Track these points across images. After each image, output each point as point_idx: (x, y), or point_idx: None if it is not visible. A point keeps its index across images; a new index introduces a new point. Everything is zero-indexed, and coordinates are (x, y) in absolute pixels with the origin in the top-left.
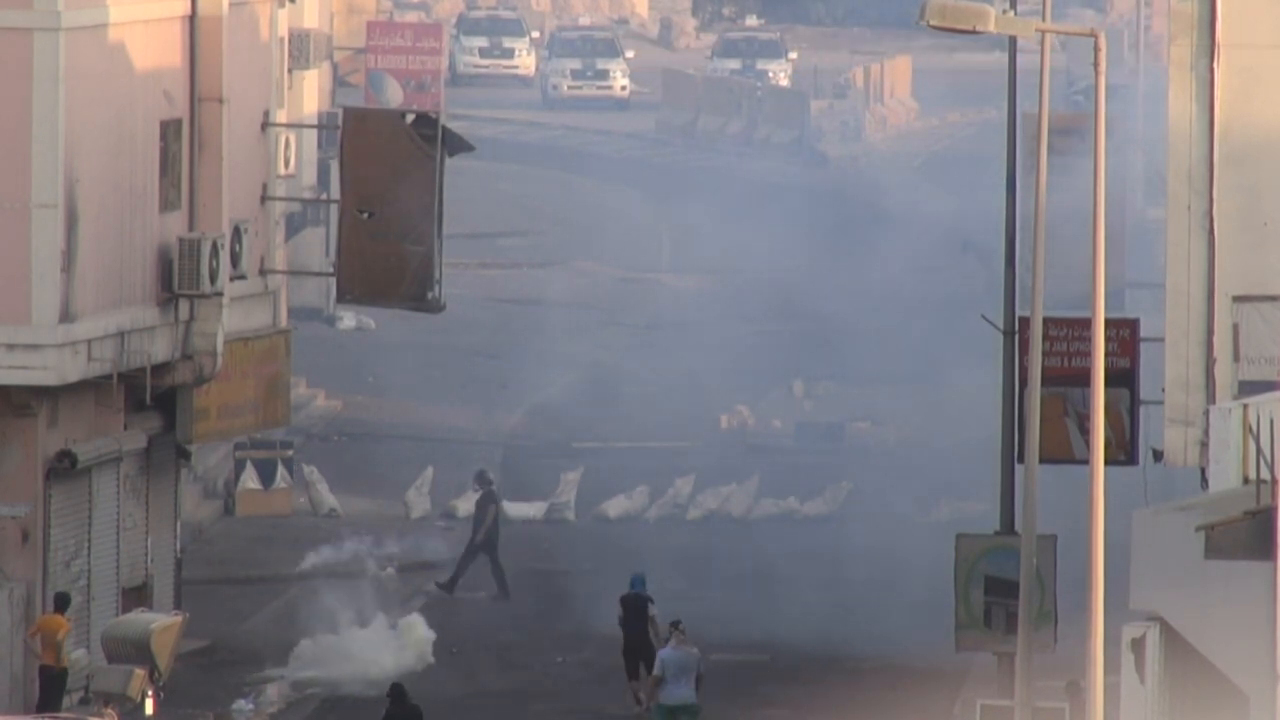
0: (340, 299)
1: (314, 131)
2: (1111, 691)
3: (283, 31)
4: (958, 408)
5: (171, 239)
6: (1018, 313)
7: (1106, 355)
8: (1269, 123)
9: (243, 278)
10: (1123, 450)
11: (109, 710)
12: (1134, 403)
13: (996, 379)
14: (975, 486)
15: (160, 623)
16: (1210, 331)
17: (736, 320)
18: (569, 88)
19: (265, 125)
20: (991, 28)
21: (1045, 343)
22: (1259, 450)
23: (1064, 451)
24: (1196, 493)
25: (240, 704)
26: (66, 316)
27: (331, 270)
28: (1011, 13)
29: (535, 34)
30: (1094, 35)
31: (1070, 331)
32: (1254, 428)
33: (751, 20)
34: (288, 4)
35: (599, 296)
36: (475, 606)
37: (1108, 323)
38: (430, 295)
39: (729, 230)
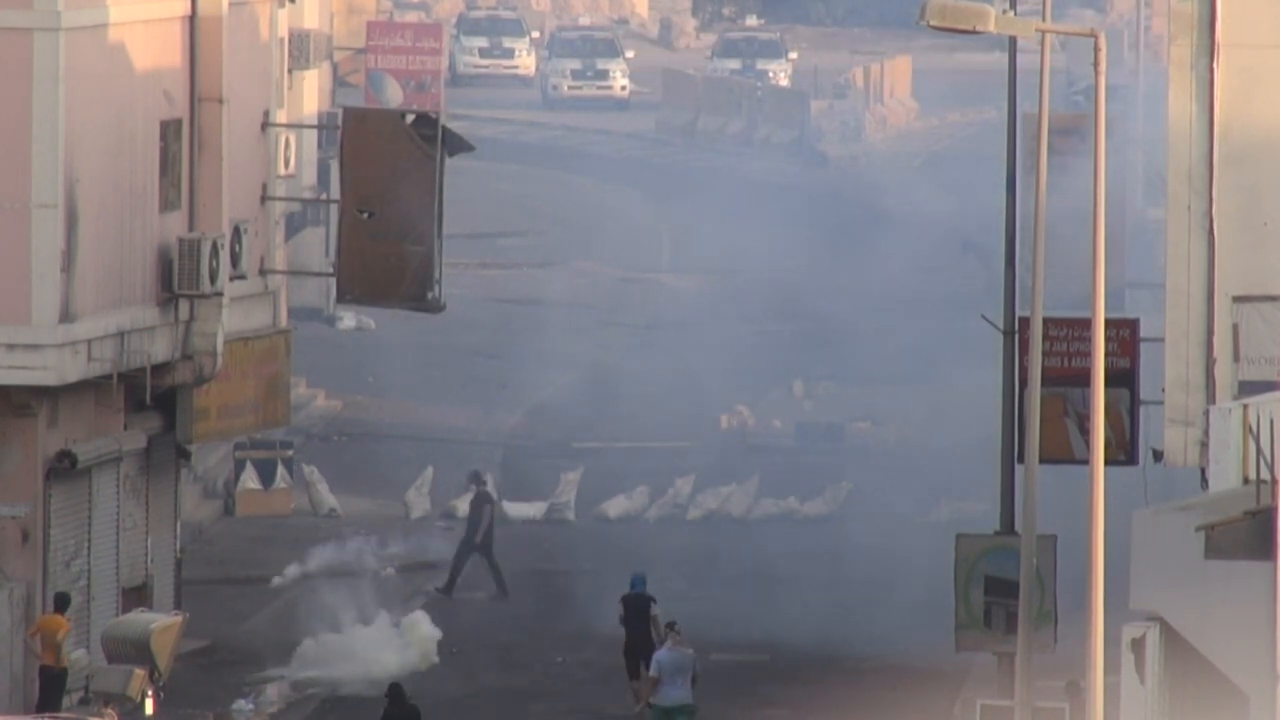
0: (340, 299)
1: (314, 131)
2: (1111, 691)
3: (283, 31)
4: (958, 408)
5: (171, 239)
6: (1018, 313)
7: (1106, 355)
8: (1269, 123)
9: (243, 278)
10: (1123, 450)
11: (109, 710)
12: (1134, 403)
13: (996, 379)
14: (975, 486)
15: (160, 623)
16: (1210, 331)
17: (736, 320)
18: (569, 88)
19: (265, 125)
20: (991, 28)
21: (1045, 343)
22: (1259, 450)
23: (1064, 451)
24: (1196, 493)
25: (240, 704)
26: (66, 316)
27: (331, 270)
28: (1011, 13)
29: (535, 34)
30: (1094, 35)
31: (1070, 331)
32: (1254, 428)
33: (751, 20)
34: (288, 4)
35: (599, 296)
36: (475, 606)
37: (1108, 323)
38: (430, 295)
39: (729, 230)
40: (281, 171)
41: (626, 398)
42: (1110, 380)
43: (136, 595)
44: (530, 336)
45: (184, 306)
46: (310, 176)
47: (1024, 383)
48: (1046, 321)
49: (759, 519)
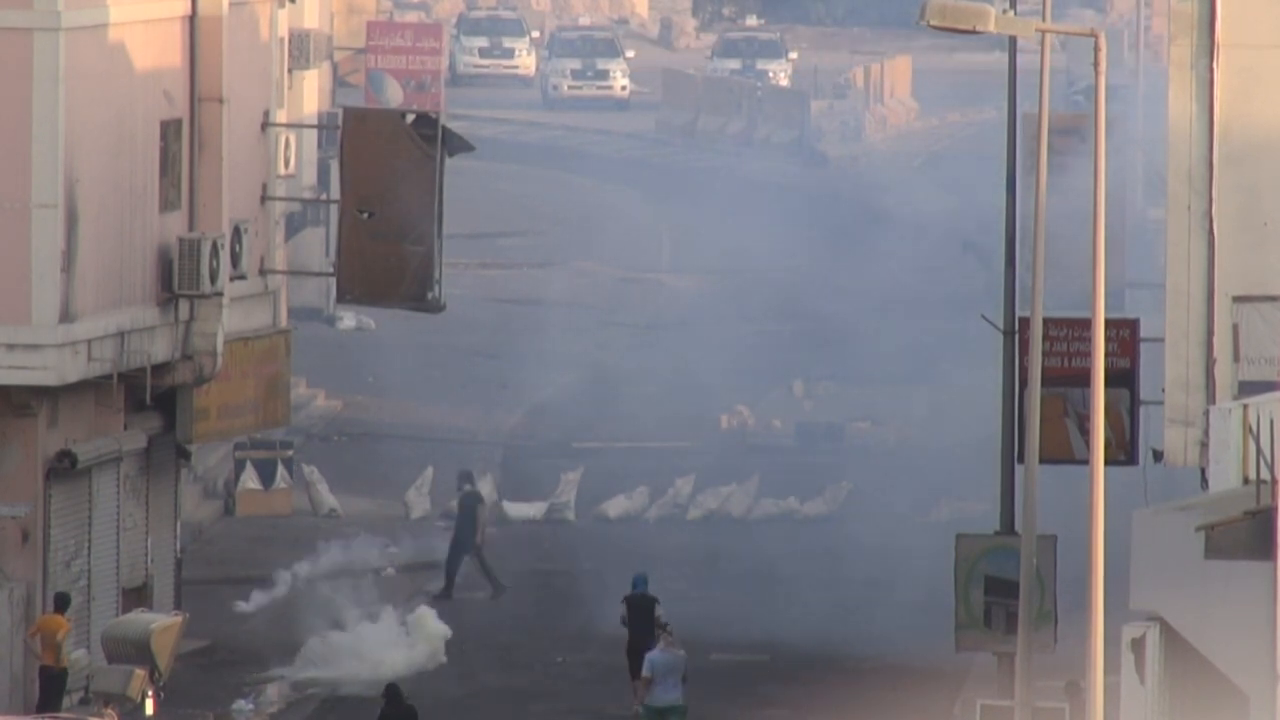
0: (340, 299)
1: (314, 131)
2: (1111, 691)
3: (283, 31)
4: (958, 408)
5: (171, 239)
6: (1018, 313)
7: (1106, 355)
8: (1269, 123)
9: (243, 278)
10: (1123, 450)
11: (109, 710)
12: (1134, 403)
13: (996, 379)
14: (975, 486)
15: (160, 623)
16: (1210, 331)
17: (736, 320)
18: (569, 88)
19: (265, 125)
20: (991, 28)
21: (1045, 343)
22: (1259, 450)
23: (1064, 451)
24: (1196, 493)
25: (240, 704)
26: (66, 316)
27: (331, 270)
28: (1011, 13)
29: (535, 34)
30: (1094, 35)
31: (1070, 331)
32: (1254, 428)
33: (751, 20)
34: (288, 4)
35: (599, 296)
36: (475, 606)
37: (1108, 323)
38: (430, 295)
39: (729, 230)
40: (281, 171)
41: (626, 398)
42: (1110, 380)
43: (136, 595)
44: (530, 336)
45: (184, 306)
46: (310, 176)
47: (1024, 383)
48: (1046, 321)
49: (759, 519)
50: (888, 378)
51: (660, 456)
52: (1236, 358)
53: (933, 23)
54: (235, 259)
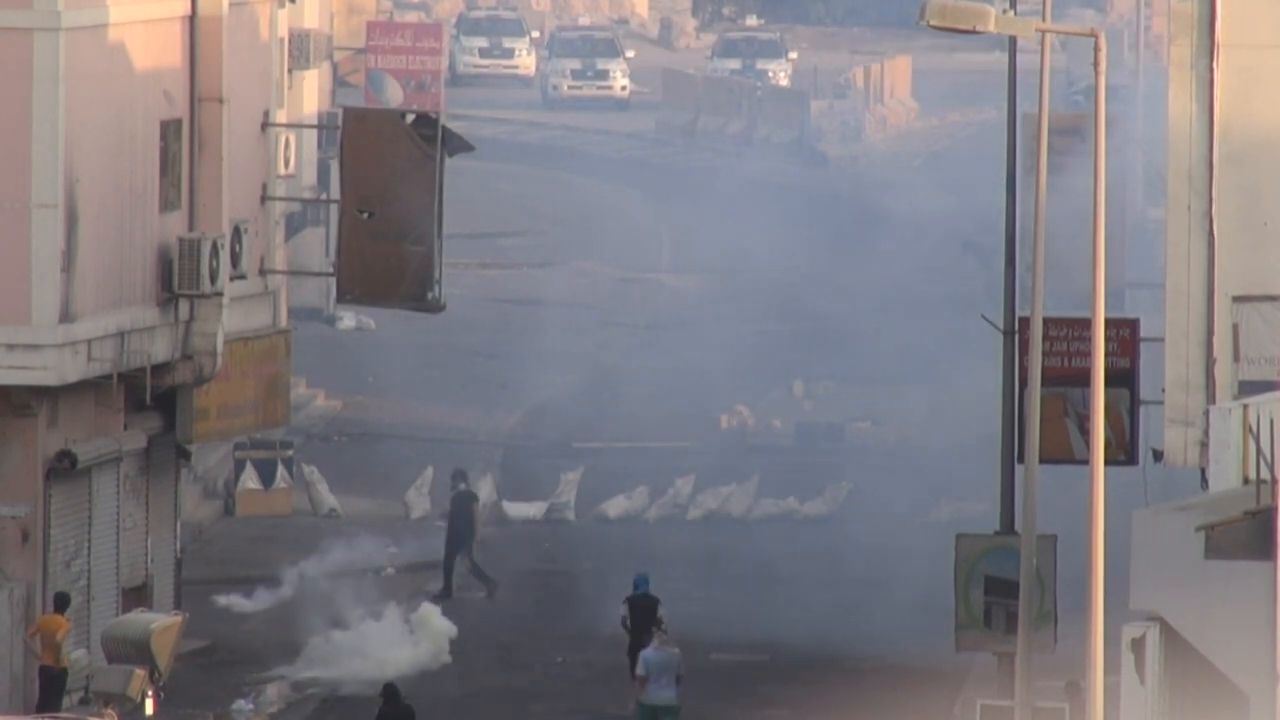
0: (340, 299)
1: (314, 131)
2: (1111, 691)
3: (283, 31)
4: (958, 408)
5: (171, 239)
6: (1018, 313)
7: (1106, 355)
8: (1269, 123)
9: (243, 278)
10: (1123, 450)
11: (109, 710)
12: (1134, 403)
13: (996, 379)
14: (975, 486)
15: (160, 623)
16: (1210, 331)
17: (736, 320)
18: (569, 88)
19: (265, 125)
20: (991, 28)
21: (1045, 343)
22: (1259, 450)
23: (1064, 451)
24: (1196, 493)
25: (240, 704)
26: (66, 316)
27: (331, 270)
28: (1011, 13)
29: (535, 34)
30: (1094, 35)
31: (1070, 331)
32: (1254, 428)
33: (751, 20)
34: (288, 4)
35: (599, 296)
36: (475, 606)
37: (1108, 323)
38: (430, 295)
39: (729, 230)
40: (281, 171)
41: (626, 398)
42: (1110, 380)
43: (136, 595)
44: (530, 336)
45: (184, 306)
46: (310, 176)
47: (1024, 383)
48: (1046, 321)
49: (759, 519)
50: (888, 378)
51: (660, 456)
52: (1236, 358)
53: (933, 23)
54: (235, 259)
